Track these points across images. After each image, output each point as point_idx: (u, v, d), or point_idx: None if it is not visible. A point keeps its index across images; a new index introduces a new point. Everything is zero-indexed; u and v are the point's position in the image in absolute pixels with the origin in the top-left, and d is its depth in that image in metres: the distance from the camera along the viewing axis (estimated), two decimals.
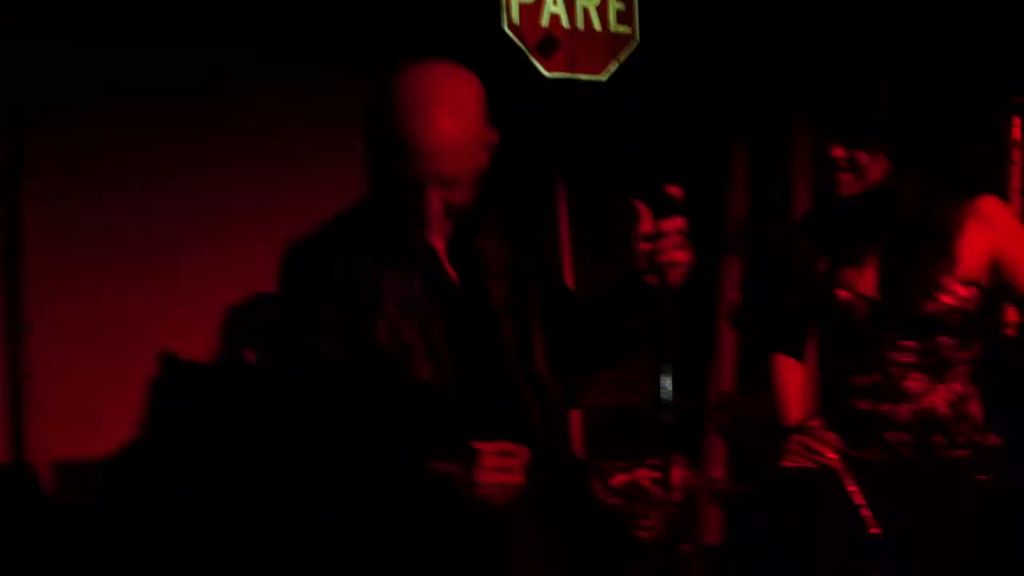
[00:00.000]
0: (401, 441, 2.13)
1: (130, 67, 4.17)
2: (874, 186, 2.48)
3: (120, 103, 4.14)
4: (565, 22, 4.57)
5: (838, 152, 2.49)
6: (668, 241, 2.06)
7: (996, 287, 2.52)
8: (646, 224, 2.08)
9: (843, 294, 2.55)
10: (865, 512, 2.43)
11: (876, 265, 2.55)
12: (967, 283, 2.48)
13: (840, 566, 2.31)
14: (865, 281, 2.55)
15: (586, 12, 4.62)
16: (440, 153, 2.06)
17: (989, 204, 2.51)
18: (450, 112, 2.07)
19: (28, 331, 3.92)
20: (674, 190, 2.07)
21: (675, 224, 2.06)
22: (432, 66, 2.13)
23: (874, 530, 2.42)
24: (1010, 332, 3.38)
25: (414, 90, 2.08)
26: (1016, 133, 3.70)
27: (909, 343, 2.51)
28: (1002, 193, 3.42)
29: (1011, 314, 3.33)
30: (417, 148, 2.05)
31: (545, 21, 4.52)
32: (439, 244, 2.23)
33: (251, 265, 3.11)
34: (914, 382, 2.51)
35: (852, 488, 2.46)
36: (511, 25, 4.43)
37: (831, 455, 2.51)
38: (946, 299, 2.46)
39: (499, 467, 2.09)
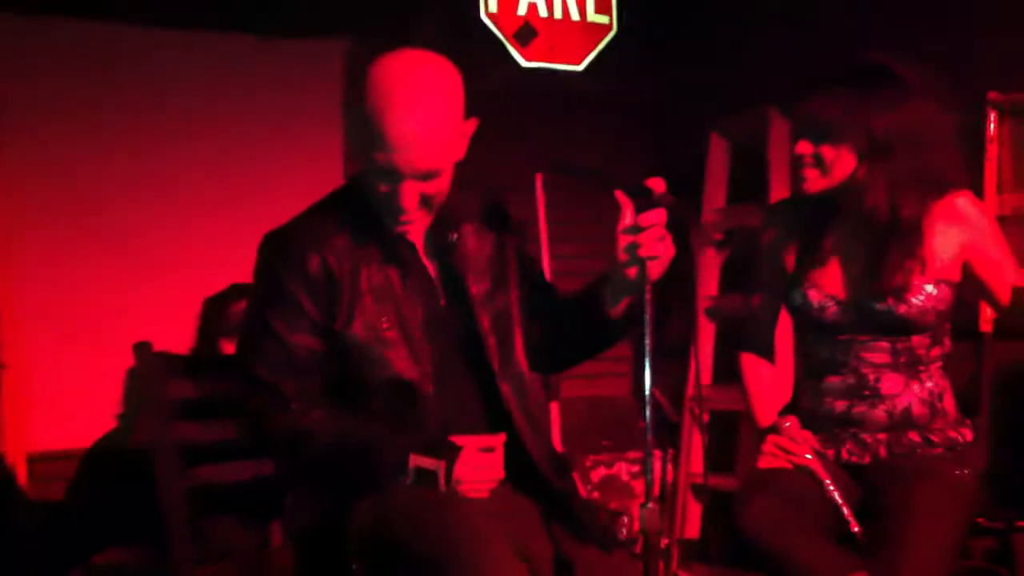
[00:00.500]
0: (381, 435, 2.12)
1: (112, 47, 4.12)
2: (840, 183, 2.46)
3: (99, 86, 4.09)
4: (543, 11, 4.56)
5: (803, 147, 2.47)
6: (648, 234, 2.06)
7: (970, 283, 2.50)
8: (627, 217, 2.08)
9: (813, 294, 2.54)
10: (845, 509, 2.43)
11: (845, 264, 2.52)
12: (939, 282, 2.46)
13: (821, 565, 2.31)
14: (835, 280, 2.53)
15: (564, 1, 4.61)
16: (416, 147, 2.05)
17: (963, 201, 2.48)
18: (426, 105, 2.06)
19: (3, 320, 3.87)
20: (655, 184, 2.07)
21: (655, 217, 2.06)
22: (408, 56, 2.12)
23: (854, 528, 2.42)
24: (987, 328, 3.38)
25: (390, 82, 2.07)
26: (991, 129, 3.71)
27: (881, 343, 2.49)
28: (976, 190, 3.43)
29: (988, 311, 3.33)
30: (393, 141, 2.04)
31: (523, 10, 4.52)
32: (417, 236, 2.22)
33: (228, 255, 3.10)
34: (888, 382, 2.50)
35: (830, 487, 2.46)
36: (489, 14, 4.42)
37: (807, 455, 2.50)
38: (917, 299, 2.44)
39: (479, 463, 2.09)
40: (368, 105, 2.06)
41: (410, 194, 2.09)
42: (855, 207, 2.47)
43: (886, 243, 2.45)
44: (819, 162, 2.46)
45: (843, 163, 2.45)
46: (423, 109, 2.05)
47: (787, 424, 2.56)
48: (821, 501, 2.44)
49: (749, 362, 2.70)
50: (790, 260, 2.59)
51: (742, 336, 2.73)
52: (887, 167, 2.42)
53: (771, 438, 2.56)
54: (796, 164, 2.50)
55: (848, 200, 2.47)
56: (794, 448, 2.51)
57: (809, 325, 2.56)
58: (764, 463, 2.54)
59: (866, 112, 2.41)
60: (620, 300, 2.18)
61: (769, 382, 2.68)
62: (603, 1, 4.71)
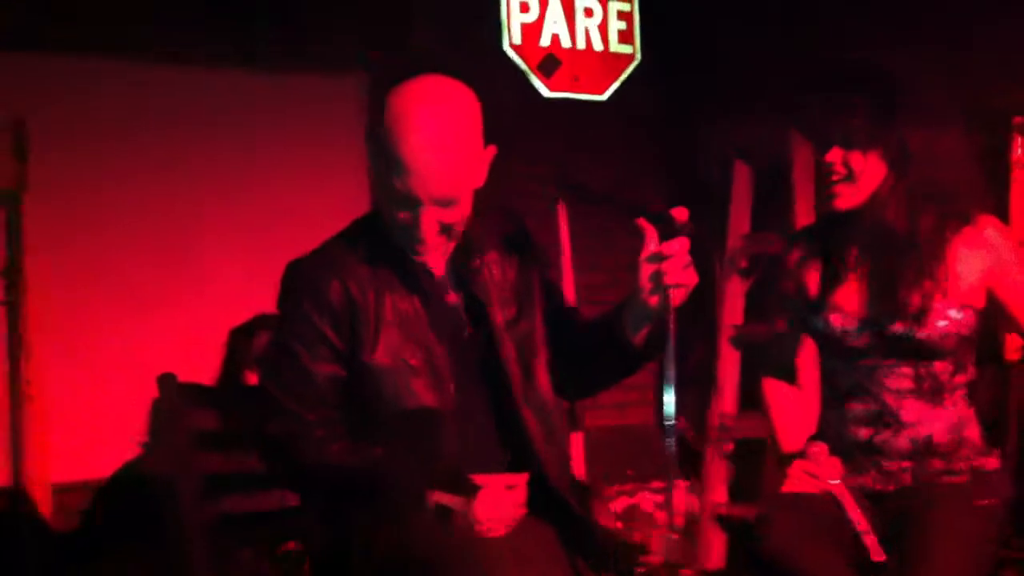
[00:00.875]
0: (404, 466, 2.11)
1: (135, 85, 4.16)
2: (868, 197, 2.42)
3: (122, 122, 4.13)
4: (566, 41, 4.57)
5: (833, 156, 2.42)
6: (672, 263, 2.05)
7: (994, 310, 2.47)
8: (650, 245, 2.07)
9: (835, 318, 2.51)
10: (869, 538, 2.40)
11: (866, 288, 2.49)
12: (963, 307, 2.42)
13: None
14: (857, 304, 2.49)
15: (587, 31, 4.62)
16: (435, 173, 2.05)
17: (990, 231, 2.45)
18: (445, 131, 2.06)
19: (28, 352, 3.90)
20: (679, 212, 2.06)
21: (679, 246, 2.05)
22: (428, 82, 2.12)
23: (878, 557, 2.39)
24: (1014, 356, 3.35)
25: (409, 108, 2.07)
26: (1017, 153, 3.69)
27: (904, 368, 2.46)
28: (1002, 214, 3.40)
29: (1013, 337, 3.30)
30: (413, 168, 2.04)
31: (546, 41, 4.53)
32: (439, 265, 2.22)
33: (253, 287, 3.11)
34: (910, 409, 2.46)
35: (855, 514, 2.43)
36: (512, 45, 4.43)
37: (833, 481, 2.48)
38: (940, 323, 2.41)
39: (501, 501, 2.07)
40: (386, 130, 2.07)
41: (429, 222, 2.09)
42: (876, 227, 2.44)
43: (903, 261, 2.42)
44: (848, 172, 2.42)
45: (871, 173, 2.42)
46: (442, 135, 2.05)
47: (815, 450, 2.53)
48: (843, 527, 2.41)
49: (772, 388, 2.69)
50: (812, 284, 2.57)
51: (765, 361, 2.72)
52: (910, 183, 2.40)
53: (798, 463, 2.53)
54: (824, 176, 2.45)
55: (870, 219, 2.44)
56: (821, 474, 2.49)
57: (831, 350, 2.54)
58: (790, 489, 2.51)
59: (898, 121, 2.39)
60: (641, 327, 2.17)
61: (793, 407, 2.66)
62: (626, 30, 4.72)
